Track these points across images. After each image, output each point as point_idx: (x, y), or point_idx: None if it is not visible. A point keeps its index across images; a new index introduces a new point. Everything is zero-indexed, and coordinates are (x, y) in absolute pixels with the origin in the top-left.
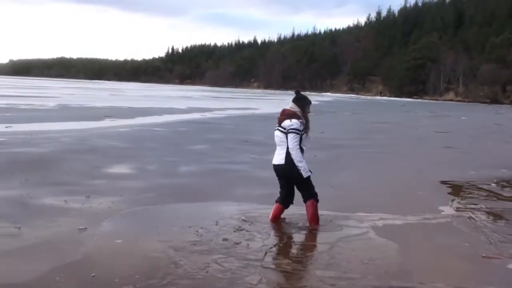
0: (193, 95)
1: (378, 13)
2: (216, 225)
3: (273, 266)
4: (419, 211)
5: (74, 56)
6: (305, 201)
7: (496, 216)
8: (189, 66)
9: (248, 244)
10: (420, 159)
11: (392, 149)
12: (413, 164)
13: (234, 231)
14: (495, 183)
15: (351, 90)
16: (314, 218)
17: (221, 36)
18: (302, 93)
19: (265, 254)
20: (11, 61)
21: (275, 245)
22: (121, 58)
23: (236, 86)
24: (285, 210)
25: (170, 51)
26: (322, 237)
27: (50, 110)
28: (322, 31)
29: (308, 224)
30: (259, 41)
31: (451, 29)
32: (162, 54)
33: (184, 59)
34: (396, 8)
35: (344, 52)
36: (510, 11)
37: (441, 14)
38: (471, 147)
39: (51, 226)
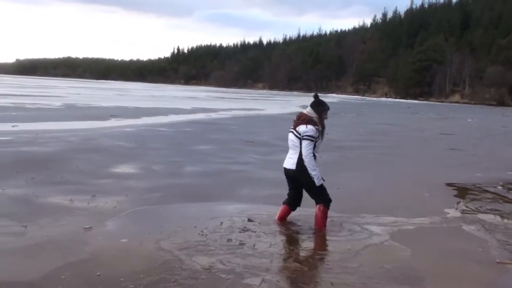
0: (198, 95)
1: (384, 15)
2: (221, 225)
3: (278, 269)
4: (426, 213)
5: (80, 56)
6: (317, 204)
7: (505, 219)
8: (195, 66)
9: (254, 245)
10: (426, 161)
11: (397, 151)
12: (419, 166)
13: (239, 232)
14: (501, 185)
15: (357, 92)
16: (320, 223)
17: (226, 36)
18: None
19: (272, 256)
20: (17, 60)
21: (281, 247)
22: (126, 58)
23: (241, 87)
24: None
25: (176, 51)
26: (330, 240)
27: (56, 110)
28: (328, 32)
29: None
30: (264, 42)
31: (458, 30)
32: (167, 54)
33: (189, 59)
34: (402, 10)
35: (349, 53)
36: None
37: (447, 16)
38: (477, 149)
39: (57, 225)
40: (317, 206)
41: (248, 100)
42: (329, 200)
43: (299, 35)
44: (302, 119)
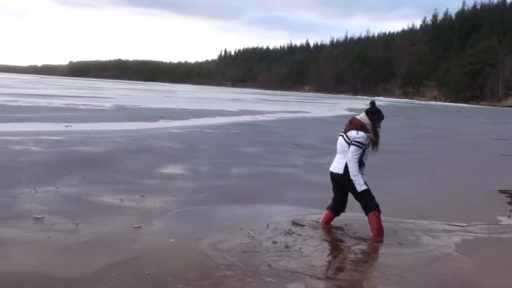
0: (245, 97)
1: (434, 16)
2: (267, 228)
3: (324, 275)
4: (479, 220)
5: (130, 58)
6: (366, 213)
7: None
8: (241, 68)
9: (300, 248)
10: (476, 166)
11: (447, 156)
12: (469, 172)
13: (285, 235)
14: None
15: (405, 95)
16: (379, 230)
17: (273, 39)
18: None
19: (318, 260)
20: (70, 62)
21: (328, 252)
22: (174, 60)
23: (288, 89)
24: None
25: (223, 53)
26: (381, 248)
27: (107, 111)
28: (376, 34)
29: (369, 235)
30: (311, 44)
31: None
32: (214, 56)
33: (236, 61)
34: (453, 11)
35: (398, 55)
36: None
37: (501, 17)
38: None
39: (108, 224)
40: (370, 214)
41: (294, 102)
42: (376, 205)
43: (346, 38)
44: (354, 124)
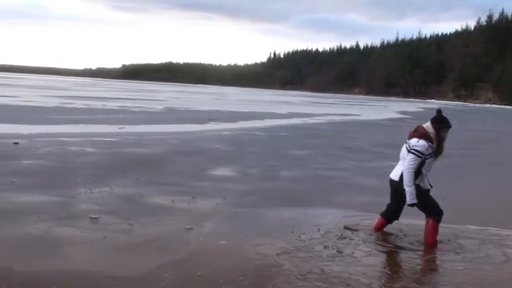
0: (293, 100)
1: (489, 17)
2: (318, 231)
3: (378, 282)
4: None
5: (180, 61)
6: (426, 217)
7: None
8: (290, 71)
9: (353, 253)
10: None
11: (504, 160)
12: None
13: (337, 239)
14: None
15: (458, 97)
16: (429, 238)
17: (322, 41)
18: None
19: (371, 267)
20: (123, 66)
21: (382, 259)
22: (224, 63)
23: (337, 92)
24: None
25: (272, 56)
26: (437, 256)
27: (158, 113)
28: (428, 36)
29: (423, 242)
30: (361, 46)
31: None
32: (263, 59)
33: (285, 64)
34: (509, 11)
35: (451, 57)
36: None
37: None
38: None
39: (160, 225)
40: (427, 219)
41: (344, 105)
42: (440, 212)
43: (397, 39)
44: (417, 131)
